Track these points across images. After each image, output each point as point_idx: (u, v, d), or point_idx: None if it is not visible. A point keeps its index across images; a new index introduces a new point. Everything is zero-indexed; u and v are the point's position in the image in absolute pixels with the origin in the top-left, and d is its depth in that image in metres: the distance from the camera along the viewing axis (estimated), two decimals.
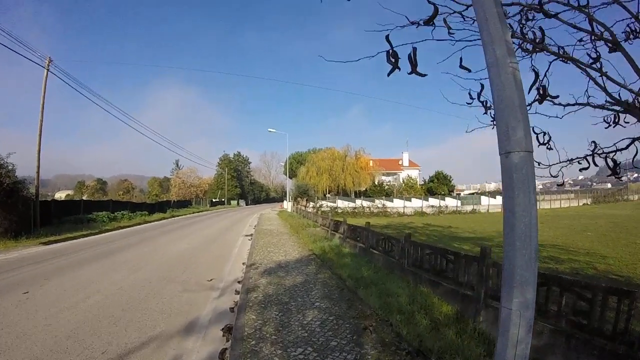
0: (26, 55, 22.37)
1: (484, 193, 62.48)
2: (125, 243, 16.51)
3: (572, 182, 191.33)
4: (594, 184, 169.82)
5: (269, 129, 45.39)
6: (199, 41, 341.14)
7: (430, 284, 7.81)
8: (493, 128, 4.84)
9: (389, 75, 3.19)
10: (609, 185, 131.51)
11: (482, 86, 4.68)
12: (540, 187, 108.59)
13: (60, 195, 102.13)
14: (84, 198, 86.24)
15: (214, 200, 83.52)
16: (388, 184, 59.82)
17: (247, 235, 18.97)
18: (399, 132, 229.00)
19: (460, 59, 4.08)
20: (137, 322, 6.03)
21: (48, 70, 22.03)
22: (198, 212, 51.51)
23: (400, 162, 71.49)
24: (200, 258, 12.29)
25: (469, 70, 4.12)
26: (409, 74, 3.11)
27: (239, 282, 8.78)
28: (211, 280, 9.12)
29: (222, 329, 5.74)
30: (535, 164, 4.64)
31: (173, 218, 37.10)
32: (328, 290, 7.72)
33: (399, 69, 3.12)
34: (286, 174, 57.33)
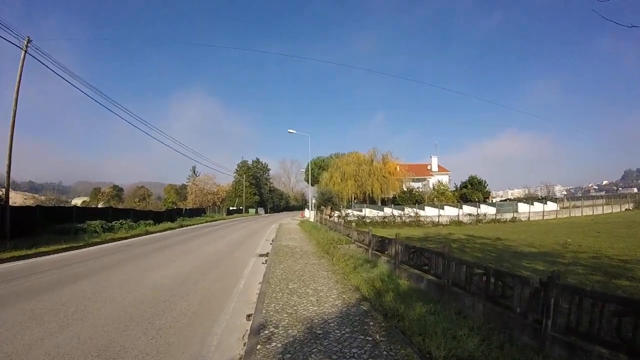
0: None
1: (520, 199, 57.30)
2: (94, 266, 12.07)
3: (596, 187, 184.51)
4: (620, 188, 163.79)
5: (289, 130, 41.11)
6: (219, 52, 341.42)
7: None
8: None
9: None
10: (635, 190, 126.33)
11: None
12: (565, 192, 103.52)
13: (77, 201, 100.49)
14: (100, 205, 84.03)
15: (230, 208, 79.72)
16: (417, 190, 54.91)
17: (261, 255, 14.44)
18: (422, 138, 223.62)
19: None
20: None
21: (26, 52, 18.21)
22: (212, 221, 47.35)
23: (428, 167, 66.61)
24: (182, 301, 7.65)
25: None
26: None
27: None
28: None
29: None
30: None
31: (181, 228, 32.91)
32: None
33: None
34: (308, 181, 52.81)
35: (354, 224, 17.36)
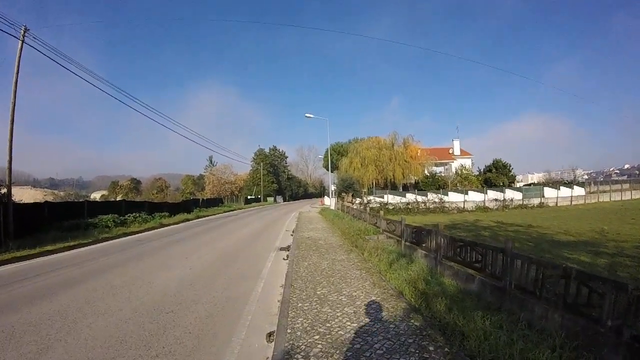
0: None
1: (546, 184, 54.98)
2: (95, 267, 10.78)
3: (618, 172, 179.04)
4: None
5: (307, 114, 39.47)
6: (235, 41, 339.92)
7: None
8: None
9: None
10: None
11: None
12: (586, 176, 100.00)
13: (96, 196, 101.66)
14: (118, 198, 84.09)
15: (249, 197, 78.73)
16: (440, 175, 53.00)
17: (281, 249, 13.06)
18: (440, 123, 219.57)
19: None
20: None
21: (23, 41, 17.04)
22: (229, 210, 46.17)
23: (450, 151, 64.26)
24: (189, 314, 6.28)
25: None
26: None
27: None
28: None
29: None
30: None
31: (198, 219, 31.84)
32: None
33: None
34: (327, 167, 51.21)
35: (382, 212, 15.85)
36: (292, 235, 17.06)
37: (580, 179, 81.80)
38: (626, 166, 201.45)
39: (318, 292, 6.91)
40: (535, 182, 73.75)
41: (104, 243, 16.87)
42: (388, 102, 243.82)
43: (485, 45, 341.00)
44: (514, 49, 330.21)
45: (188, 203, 40.90)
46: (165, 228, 24.26)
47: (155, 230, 23.05)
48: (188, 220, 30.58)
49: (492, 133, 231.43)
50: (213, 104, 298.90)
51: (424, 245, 10.38)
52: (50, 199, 68.12)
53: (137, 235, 20.45)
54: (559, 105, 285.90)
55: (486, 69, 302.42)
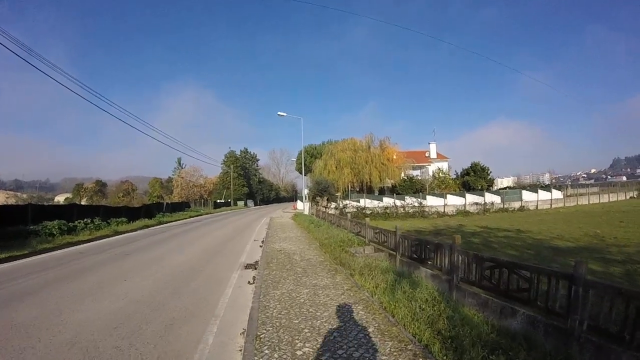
0: None
1: (524, 187, 54.39)
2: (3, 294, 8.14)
3: (585, 176, 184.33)
4: (609, 177, 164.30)
5: (279, 113, 36.86)
6: (209, 42, 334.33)
7: None
8: None
9: None
10: (624, 179, 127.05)
11: None
12: (553, 181, 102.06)
13: (59, 199, 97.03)
14: (83, 202, 79.84)
15: (218, 201, 75.48)
16: (417, 178, 51.33)
17: (247, 267, 10.56)
18: (414, 127, 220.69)
19: None
20: None
21: None
22: (196, 216, 43.05)
23: (427, 154, 62.86)
24: None
25: None
26: None
27: None
28: None
29: None
30: None
31: (159, 226, 28.92)
32: None
33: None
34: (301, 169, 48.70)
35: (367, 220, 13.52)
36: (261, 246, 14.60)
37: (547, 182, 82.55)
38: (592, 170, 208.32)
39: (298, 353, 4.49)
40: (510, 185, 73.30)
41: (41, 255, 14.20)
42: (363, 106, 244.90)
43: (458, 55, 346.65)
44: (486, 58, 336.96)
45: (150, 208, 37.65)
46: (119, 236, 21.40)
47: (107, 239, 20.24)
48: (147, 226, 27.64)
49: (464, 138, 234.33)
50: (185, 104, 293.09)
51: (429, 263, 8.17)
52: (12, 201, 63.82)
53: (83, 245, 17.69)
54: (527, 113, 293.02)
55: (459, 76, 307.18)
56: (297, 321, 5.58)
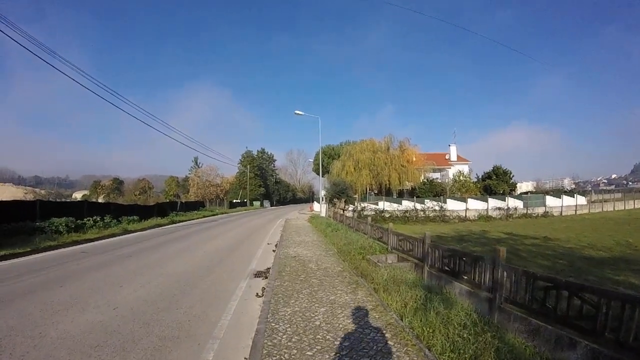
0: None
1: (547, 192, 52.66)
2: None
3: (605, 181, 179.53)
4: (630, 183, 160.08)
5: (296, 111, 35.85)
6: (227, 43, 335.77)
7: None
8: None
9: None
10: None
11: None
12: (573, 186, 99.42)
13: (77, 195, 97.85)
14: (100, 199, 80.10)
15: (234, 201, 74.84)
16: (437, 181, 49.80)
17: (257, 275, 9.47)
18: (431, 130, 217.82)
19: None
20: None
21: None
22: (210, 215, 42.27)
23: (447, 157, 61.07)
24: None
25: None
26: None
27: None
28: None
29: None
30: None
31: (171, 225, 28.14)
32: None
33: None
34: (318, 170, 47.53)
35: (391, 225, 12.31)
36: (274, 250, 13.49)
37: (568, 187, 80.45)
38: (613, 176, 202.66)
39: None
40: (531, 190, 71.24)
41: (41, 254, 13.45)
42: (381, 108, 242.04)
43: (478, 55, 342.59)
44: (506, 61, 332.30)
45: (163, 206, 36.91)
46: (129, 235, 20.62)
47: (115, 238, 19.46)
48: (160, 225, 26.89)
49: (481, 142, 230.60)
50: (203, 105, 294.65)
51: (465, 277, 6.98)
52: (30, 197, 64.22)
53: (89, 244, 16.91)
54: (548, 117, 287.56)
55: (479, 78, 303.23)
56: (310, 353, 4.44)
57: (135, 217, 26.96)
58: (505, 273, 5.80)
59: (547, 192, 52.32)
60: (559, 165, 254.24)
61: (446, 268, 7.84)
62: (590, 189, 76.10)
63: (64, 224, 19.00)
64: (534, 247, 16.18)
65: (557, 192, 49.07)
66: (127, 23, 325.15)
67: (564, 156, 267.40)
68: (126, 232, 21.91)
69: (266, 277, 8.97)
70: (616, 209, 44.86)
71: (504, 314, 5.69)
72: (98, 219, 22.15)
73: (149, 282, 8.74)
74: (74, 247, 15.45)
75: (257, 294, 7.53)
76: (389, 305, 6.31)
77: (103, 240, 18.13)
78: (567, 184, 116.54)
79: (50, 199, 59.64)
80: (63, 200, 34.61)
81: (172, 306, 6.78)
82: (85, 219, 21.31)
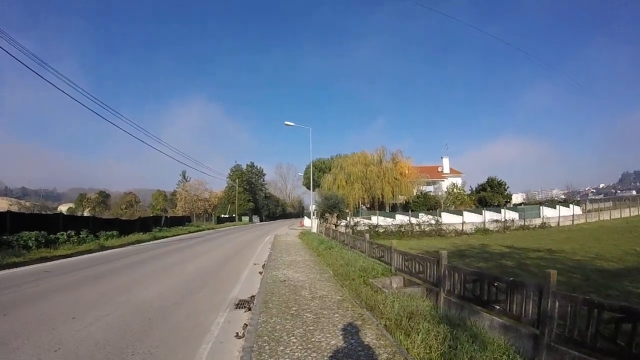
0: None
1: (542, 203, 51.78)
2: None
3: (594, 191, 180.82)
4: (618, 191, 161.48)
5: (286, 122, 34.44)
6: (217, 56, 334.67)
7: None
8: None
9: None
10: (634, 193, 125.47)
11: None
12: (563, 196, 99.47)
13: (62, 208, 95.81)
14: (86, 213, 78.04)
15: (222, 216, 73.04)
16: (430, 194, 48.54)
17: (239, 306, 7.83)
18: (422, 143, 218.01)
19: None
20: None
21: None
22: (196, 231, 40.51)
23: (439, 169, 59.96)
24: None
25: None
26: None
27: None
28: None
29: None
30: None
31: (153, 242, 26.43)
32: None
33: None
34: (309, 185, 46.00)
35: (394, 243, 10.80)
36: (261, 272, 11.93)
37: (557, 198, 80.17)
38: (601, 185, 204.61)
39: None
40: (522, 201, 70.66)
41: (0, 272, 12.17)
42: (372, 122, 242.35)
43: (469, 69, 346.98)
44: (496, 73, 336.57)
45: (146, 221, 35.17)
46: (104, 252, 19.07)
47: (89, 254, 18.04)
48: (140, 242, 25.22)
49: (470, 155, 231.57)
50: (192, 118, 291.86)
51: (497, 307, 5.59)
52: (15, 208, 62.03)
53: (57, 261, 15.46)
54: (536, 128, 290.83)
55: (469, 90, 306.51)
56: None
57: (115, 232, 25.35)
58: (557, 303, 4.47)
59: (541, 203, 51.41)
60: (547, 176, 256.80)
61: (470, 295, 6.41)
62: (579, 198, 75.97)
63: (33, 239, 17.59)
64: (541, 260, 15.20)
65: (552, 203, 48.12)
66: (117, 34, 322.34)
67: (553, 167, 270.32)
68: (102, 248, 20.39)
69: (250, 309, 7.40)
70: (612, 217, 44.55)
71: (555, 355, 4.38)
72: (73, 233, 20.60)
73: (108, 313, 7.18)
74: (39, 265, 14.03)
75: (237, 333, 5.97)
76: (409, 351, 4.82)
77: (74, 258, 16.66)
78: (556, 194, 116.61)
79: (35, 211, 57.56)
80: (38, 212, 32.49)
81: (127, 350, 5.25)
82: (59, 234, 19.75)
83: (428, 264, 8.05)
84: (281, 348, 5.02)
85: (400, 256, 9.88)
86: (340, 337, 5.40)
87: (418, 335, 5.15)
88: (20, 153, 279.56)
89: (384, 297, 7.26)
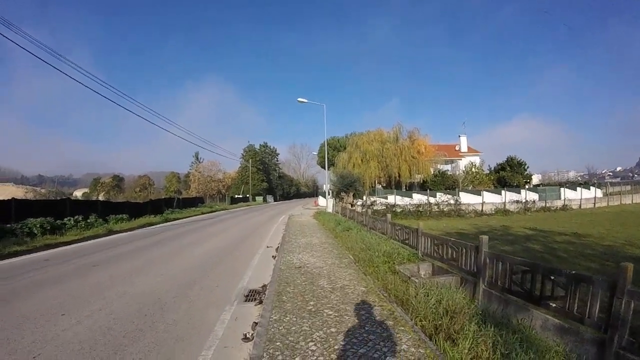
0: None
1: (562, 184, 50.14)
2: None
3: (610, 174, 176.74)
4: (636, 175, 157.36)
5: (299, 99, 33.14)
6: (231, 39, 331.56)
7: None
8: None
9: None
10: None
11: None
12: (579, 178, 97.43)
13: (77, 194, 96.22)
14: (101, 197, 78.19)
15: (236, 196, 72.49)
16: (448, 173, 47.09)
17: (248, 298, 6.91)
18: (441, 119, 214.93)
19: None
20: None
21: None
22: (209, 212, 39.80)
23: (457, 148, 58.26)
24: None
25: None
26: None
27: None
28: None
29: None
30: None
31: (164, 224, 25.66)
32: None
33: None
34: (323, 164, 44.91)
35: (421, 225, 9.69)
36: (274, 257, 10.99)
37: (575, 179, 78.27)
38: (618, 168, 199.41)
39: None
40: (538, 183, 68.77)
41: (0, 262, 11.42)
42: (387, 102, 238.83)
43: (485, 48, 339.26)
44: (512, 53, 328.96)
45: (158, 203, 34.41)
46: (112, 237, 18.30)
47: (96, 240, 17.23)
48: (151, 224, 24.50)
49: (488, 134, 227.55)
50: (206, 100, 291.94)
51: (553, 305, 4.55)
52: (31, 196, 62.20)
53: (61, 248, 14.66)
54: (551, 109, 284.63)
55: (487, 70, 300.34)
56: None
57: (125, 216, 24.62)
58: (632, 304, 3.44)
59: (561, 184, 49.76)
60: (563, 157, 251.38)
61: (518, 289, 5.37)
62: (595, 181, 73.97)
63: (38, 225, 16.84)
64: (569, 244, 14.29)
65: (572, 185, 46.51)
66: (130, 21, 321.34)
67: (569, 148, 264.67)
68: (111, 232, 19.62)
69: (260, 302, 6.44)
70: (634, 202, 42.97)
71: None
72: (80, 218, 19.84)
73: (101, 307, 6.34)
74: (41, 253, 13.17)
75: (245, 335, 5.01)
76: (453, 356, 3.81)
77: (80, 244, 15.86)
78: (573, 176, 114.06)
79: (51, 198, 57.63)
80: (50, 199, 32.37)
81: (114, 357, 4.35)
82: (65, 219, 19.05)
83: (464, 250, 7.00)
84: (297, 351, 4.04)
85: (429, 240, 8.82)
86: (370, 344, 4.38)
87: (466, 341, 4.14)
88: (36, 143, 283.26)
89: (415, 288, 6.21)
